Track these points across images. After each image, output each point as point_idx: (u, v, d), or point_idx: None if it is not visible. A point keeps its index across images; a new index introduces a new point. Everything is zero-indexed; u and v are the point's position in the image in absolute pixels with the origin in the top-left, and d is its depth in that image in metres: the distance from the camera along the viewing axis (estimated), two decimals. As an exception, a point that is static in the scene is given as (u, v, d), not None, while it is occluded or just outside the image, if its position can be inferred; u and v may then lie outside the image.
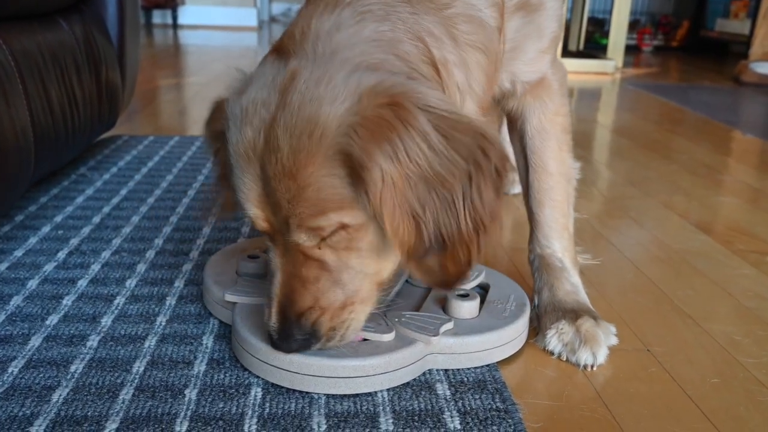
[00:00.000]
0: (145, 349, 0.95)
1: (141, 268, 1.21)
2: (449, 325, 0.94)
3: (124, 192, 1.61)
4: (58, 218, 1.43)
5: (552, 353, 0.99)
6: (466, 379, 0.91)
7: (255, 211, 0.80)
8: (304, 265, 0.81)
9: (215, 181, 0.95)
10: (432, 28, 0.83)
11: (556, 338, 0.99)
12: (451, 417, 0.83)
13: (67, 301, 1.08)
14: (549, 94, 1.07)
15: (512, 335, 0.97)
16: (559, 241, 1.10)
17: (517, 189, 1.77)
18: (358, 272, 0.82)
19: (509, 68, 1.01)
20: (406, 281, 1.10)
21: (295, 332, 0.82)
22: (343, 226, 0.77)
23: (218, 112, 0.86)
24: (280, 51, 0.82)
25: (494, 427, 0.81)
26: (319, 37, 0.79)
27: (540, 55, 1.03)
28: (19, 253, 1.25)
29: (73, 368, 0.90)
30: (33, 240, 1.31)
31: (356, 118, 0.72)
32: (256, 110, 0.77)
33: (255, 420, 0.81)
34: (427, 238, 0.75)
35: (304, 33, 0.80)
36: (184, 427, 0.79)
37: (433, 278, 0.79)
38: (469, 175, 0.74)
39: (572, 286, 1.07)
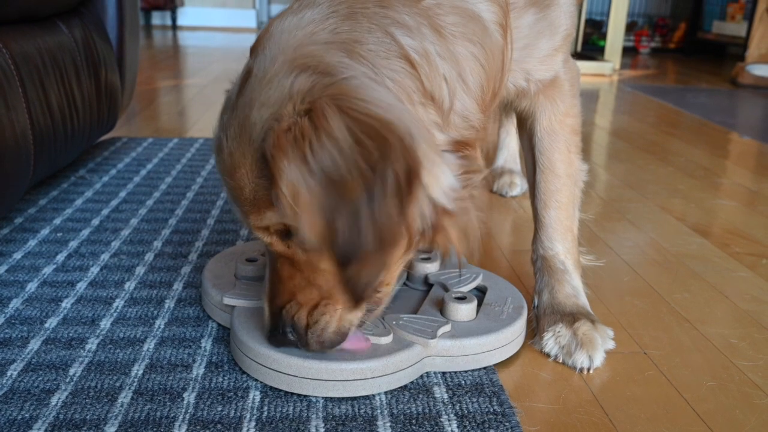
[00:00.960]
0: (143, 352, 0.96)
1: (140, 270, 1.21)
2: (447, 328, 0.94)
3: (123, 194, 1.61)
4: (57, 221, 1.43)
5: (549, 355, 1.00)
6: (463, 382, 0.92)
7: (234, 207, 0.84)
8: (279, 262, 0.83)
9: None
10: (406, 20, 0.79)
11: (552, 341, 1.00)
12: (449, 420, 0.83)
13: (66, 304, 1.08)
14: (560, 94, 1.06)
15: (509, 338, 0.97)
16: (562, 243, 1.10)
17: (515, 191, 1.77)
18: (332, 275, 0.79)
19: (523, 66, 0.99)
20: (404, 284, 1.10)
21: (279, 325, 0.84)
22: (287, 227, 0.78)
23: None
24: (250, 51, 0.84)
25: (491, 431, 0.82)
26: (272, 38, 0.80)
27: (553, 52, 1.01)
28: (18, 255, 1.25)
29: (72, 371, 0.90)
30: (32, 242, 1.31)
31: (274, 123, 0.73)
32: (223, 112, 0.82)
33: (253, 423, 0.82)
34: (340, 247, 0.72)
35: (264, 33, 0.83)
36: (183, 431, 0.80)
37: (345, 290, 0.78)
38: (372, 187, 0.69)
39: (573, 289, 1.08)
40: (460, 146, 0.84)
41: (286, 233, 0.80)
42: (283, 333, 0.84)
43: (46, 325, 1.02)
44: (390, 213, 0.70)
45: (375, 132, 0.69)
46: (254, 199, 0.78)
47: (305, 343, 0.84)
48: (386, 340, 0.90)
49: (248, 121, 0.76)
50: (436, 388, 0.90)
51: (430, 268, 1.12)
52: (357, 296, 0.78)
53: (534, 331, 1.05)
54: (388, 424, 0.82)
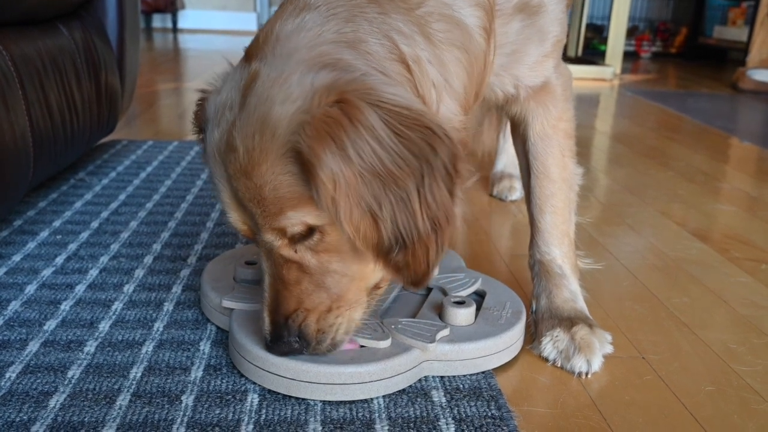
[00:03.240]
0: (142, 355, 0.96)
1: (139, 273, 1.21)
2: (445, 332, 0.94)
3: (122, 197, 1.62)
4: (57, 223, 1.43)
5: (547, 360, 1.00)
6: (461, 386, 0.92)
7: (232, 214, 0.82)
8: (284, 267, 0.82)
9: None
10: (402, 27, 0.82)
11: (551, 345, 1.00)
12: (447, 424, 0.83)
13: (65, 306, 1.08)
14: (552, 99, 1.06)
15: (508, 342, 0.97)
16: (559, 248, 1.10)
17: (515, 196, 1.77)
18: (342, 275, 0.82)
19: (512, 72, 1.01)
20: (403, 288, 1.10)
21: (284, 334, 0.83)
22: (310, 227, 0.78)
23: (202, 108, 0.88)
24: (248, 55, 0.84)
25: (489, 435, 0.82)
26: (279, 40, 0.80)
27: (543, 59, 1.02)
28: (17, 258, 1.25)
29: (70, 374, 0.90)
30: (31, 245, 1.31)
31: (306, 116, 0.73)
32: (223, 112, 0.80)
33: (251, 426, 0.82)
34: (386, 236, 0.74)
35: (267, 36, 0.82)
36: (181, 434, 0.79)
37: (400, 276, 0.80)
38: (422, 173, 0.73)
39: (570, 293, 1.07)
40: None
41: (300, 236, 0.79)
42: (287, 342, 0.83)
43: (45, 328, 1.02)
44: (443, 196, 0.75)
45: (415, 122, 0.73)
46: (275, 197, 0.76)
47: (315, 348, 0.84)
48: (385, 344, 0.90)
49: (270, 118, 0.74)
50: (434, 392, 0.90)
51: (429, 271, 1.11)
52: (417, 280, 0.79)
53: (532, 336, 1.05)
54: (386, 427, 0.82)
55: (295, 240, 0.79)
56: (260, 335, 0.90)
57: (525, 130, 1.08)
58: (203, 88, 0.90)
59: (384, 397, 0.88)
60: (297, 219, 0.77)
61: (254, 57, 0.82)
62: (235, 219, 0.82)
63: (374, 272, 0.84)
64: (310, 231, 0.78)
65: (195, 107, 0.92)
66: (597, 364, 0.97)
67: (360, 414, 0.85)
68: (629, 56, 5.83)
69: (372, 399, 0.88)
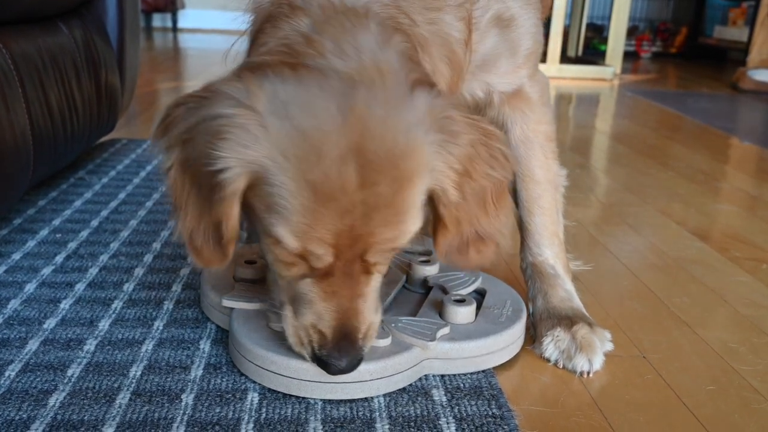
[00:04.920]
0: (142, 354, 0.95)
1: (139, 272, 1.21)
2: (446, 331, 0.94)
3: (122, 196, 1.61)
4: (57, 222, 1.43)
5: (548, 360, 1.00)
6: (462, 385, 0.92)
7: (325, 249, 0.75)
8: (365, 283, 0.81)
9: (186, 214, 0.82)
10: (421, 40, 0.87)
11: (552, 345, 1.00)
12: (447, 423, 0.83)
13: (65, 305, 1.08)
14: (528, 104, 1.07)
15: (508, 340, 0.97)
16: (550, 248, 1.10)
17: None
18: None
19: (482, 78, 1.02)
20: (403, 286, 1.10)
21: (357, 351, 0.81)
22: (412, 235, 0.80)
23: (244, 135, 0.73)
24: (321, 70, 0.76)
25: (490, 434, 0.81)
26: (372, 56, 0.77)
27: (514, 69, 1.04)
28: (17, 256, 1.25)
29: (70, 372, 0.90)
30: (31, 243, 1.31)
31: (438, 135, 0.77)
32: (331, 141, 0.71)
33: (251, 425, 0.81)
34: (465, 230, 0.85)
35: (345, 52, 0.77)
36: (181, 432, 0.79)
37: (470, 263, 0.88)
38: (499, 174, 0.85)
39: (566, 292, 1.08)
40: None
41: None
42: (356, 358, 0.81)
43: (45, 326, 1.01)
44: (507, 196, 0.89)
45: (496, 137, 0.85)
46: (409, 219, 0.76)
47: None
48: (385, 342, 0.90)
49: (413, 144, 0.74)
50: (434, 391, 0.90)
51: (430, 270, 1.11)
52: (499, 238, 0.89)
53: (532, 338, 1.05)
54: (387, 426, 0.82)
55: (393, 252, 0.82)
56: (259, 333, 0.90)
57: (506, 134, 1.09)
58: (219, 115, 0.75)
59: (384, 395, 0.88)
60: (414, 230, 0.79)
61: (336, 70, 0.75)
62: (326, 252, 0.76)
63: None
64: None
65: (224, 135, 0.74)
66: (598, 363, 0.97)
67: (360, 413, 0.85)
68: (629, 56, 5.82)
69: (372, 398, 0.88)
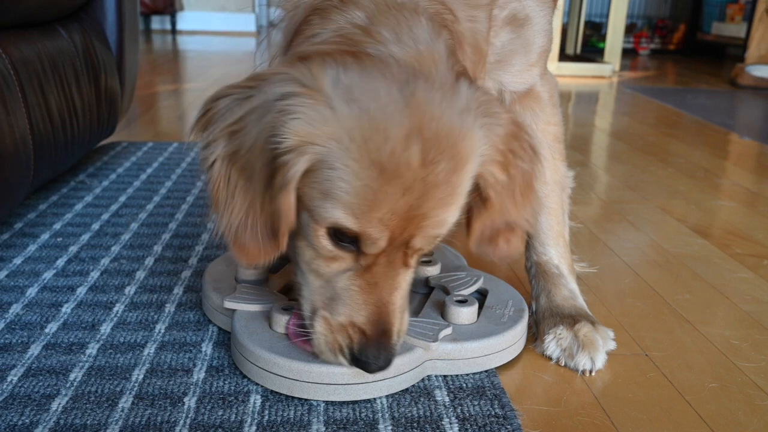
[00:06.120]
0: (144, 357, 0.95)
1: (140, 275, 1.21)
2: (448, 331, 0.94)
3: (123, 199, 1.61)
4: (57, 226, 1.43)
5: (551, 358, 1.00)
6: (464, 385, 0.92)
7: (382, 233, 0.76)
8: (403, 276, 0.83)
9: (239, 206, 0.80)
10: (461, 37, 0.90)
11: (554, 343, 1.00)
12: (450, 423, 0.83)
13: (67, 308, 1.08)
14: (539, 104, 1.09)
15: (511, 340, 0.97)
16: (555, 248, 1.10)
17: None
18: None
19: (496, 78, 1.04)
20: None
21: (393, 348, 0.82)
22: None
23: (310, 116, 0.74)
24: (381, 58, 0.78)
25: (493, 433, 0.81)
26: (427, 46, 0.80)
27: (528, 68, 1.05)
28: (18, 260, 1.25)
29: (72, 376, 0.90)
30: (32, 247, 1.31)
31: (490, 120, 0.80)
32: (395, 123, 0.73)
33: (254, 427, 0.81)
34: (496, 219, 0.87)
35: (403, 41, 0.80)
36: (184, 435, 0.79)
37: (499, 252, 0.89)
38: (528, 167, 0.87)
39: (569, 291, 1.08)
40: None
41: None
42: (392, 353, 0.81)
43: (47, 330, 1.01)
44: (534, 170, 0.89)
45: (516, 120, 0.87)
46: (460, 198, 0.80)
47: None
48: (387, 343, 0.90)
49: (462, 128, 0.77)
50: (437, 392, 0.90)
51: (431, 271, 1.11)
52: (509, 254, 0.91)
53: (534, 336, 1.05)
54: (390, 427, 0.82)
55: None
56: (261, 335, 0.90)
57: None
58: (240, 89, 0.78)
59: (387, 396, 0.88)
60: (456, 221, 0.81)
61: (397, 59, 0.78)
62: (383, 236, 0.77)
63: None
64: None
65: (292, 116, 0.74)
66: (601, 361, 0.97)
67: (363, 414, 0.85)
68: (628, 53, 5.83)
69: (375, 399, 0.88)
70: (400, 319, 0.83)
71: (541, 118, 1.09)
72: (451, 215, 0.80)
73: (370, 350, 0.80)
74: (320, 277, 0.83)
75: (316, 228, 0.79)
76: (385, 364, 0.81)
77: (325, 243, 0.79)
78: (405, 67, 0.77)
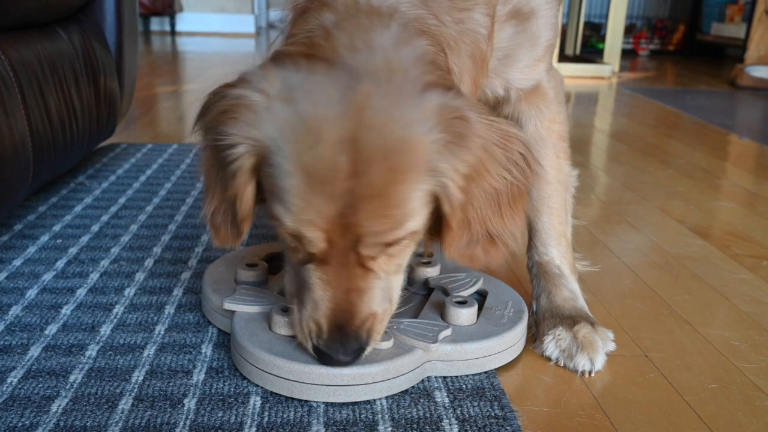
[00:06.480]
0: (144, 359, 0.95)
1: (140, 276, 1.21)
2: (447, 332, 0.94)
3: (122, 200, 1.61)
4: (57, 227, 1.43)
5: (550, 359, 1.00)
6: (464, 386, 0.92)
7: (316, 234, 0.77)
8: (362, 278, 0.82)
9: (216, 189, 0.87)
10: (449, 40, 0.88)
11: (553, 344, 1.00)
12: (450, 425, 0.83)
13: (66, 310, 1.08)
14: (545, 101, 1.07)
15: (510, 342, 0.97)
16: (556, 249, 1.10)
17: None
18: (399, 273, 0.87)
19: (503, 75, 1.03)
20: (405, 288, 1.10)
21: (352, 344, 0.83)
22: (410, 234, 0.81)
23: (250, 114, 0.78)
24: (329, 59, 0.79)
25: (493, 435, 0.81)
26: (386, 53, 0.79)
27: (534, 63, 1.04)
28: (17, 262, 1.25)
29: (72, 378, 0.90)
30: (32, 249, 1.31)
31: (442, 134, 0.76)
32: (328, 129, 0.73)
33: (254, 429, 0.81)
34: (474, 231, 0.84)
35: (367, 45, 0.79)
36: (184, 437, 0.79)
37: (476, 263, 0.88)
38: (516, 178, 0.84)
39: (570, 292, 1.08)
40: None
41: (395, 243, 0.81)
42: (355, 351, 0.83)
43: (46, 332, 1.01)
44: (525, 195, 0.87)
45: (512, 137, 0.84)
46: (403, 212, 0.77)
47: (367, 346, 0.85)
48: (387, 344, 0.90)
49: (406, 138, 0.74)
50: (437, 393, 0.90)
51: (431, 272, 1.11)
52: (509, 241, 0.88)
53: (534, 337, 1.05)
54: (390, 428, 0.82)
55: (387, 247, 0.81)
56: (261, 337, 0.90)
57: None
58: (232, 95, 0.80)
59: (387, 398, 0.88)
60: (410, 229, 0.79)
61: (347, 63, 0.77)
62: (319, 238, 0.78)
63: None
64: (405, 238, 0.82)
65: (231, 114, 0.80)
66: (600, 362, 0.97)
67: (363, 415, 0.85)
68: (627, 54, 5.83)
69: (375, 400, 0.88)
70: (362, 317, 0.82)
71: (546, 116, 1.08)
72: (389, 227, 0.77)
73: (329, 344, 0.82)
74: (292, 267, 0.87)
75: (272, 219, 0.82)
76: (346, 359, 0.83)
77: (283, 234, 0.82)
78: (353, 73, 0.76)
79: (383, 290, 0.84)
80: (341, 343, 0.82)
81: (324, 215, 0.76)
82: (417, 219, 0.79)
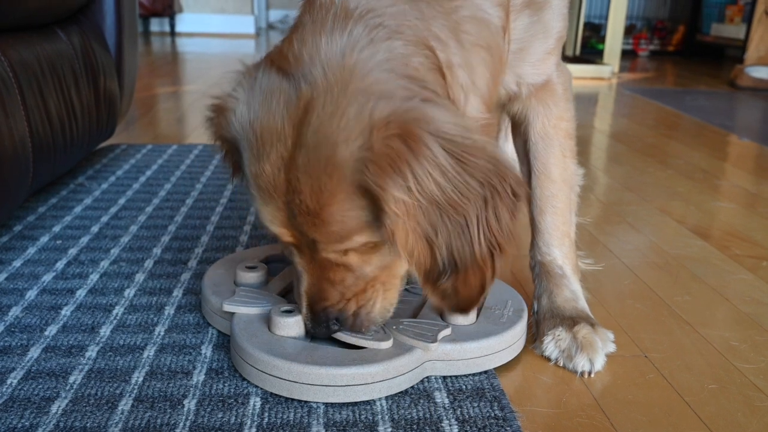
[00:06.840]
0: (143, 360, 0.95)
1: (140, 277, 1.21)
2: (447, 332, 0.94)
3: (122, 201, 1.61)
4: (57, 228, 1.43)
5: (549, 359, 1.00)
6: (464, 386, 0.92)
7: (281, 230, 0.83)
8: (331, 270, 0.85)
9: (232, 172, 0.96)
10: (439, 33, 0.83)
11: (553, 344, 1.00)
12: (450, 425, 0.83)
13: (66, 311, 1.08)
14: (553, 98, 1.06)
15: (510, 341, 0.97)
16: (559, 249, 1.10)
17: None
18: (378, 266, 0.87)
19: (515, 70, 1.01)
20: (404, 289, 1.10)
21: (322, 320, 0.87)
22: (364, 244, 0.82)
23: (222, 116, 0.85)
24: (284, 68, 0.80)
25: (493, 435, 0.81)
26: (330, 63, 0.77)
27: (546, 56, 1.02)
28: (17, 263, 1.25)
29: (72, 379, 0.90)
30: (32, 250, 1.31)
31: (368, 153, 0.73)
32: (272, 143, 0.78)
33: (254, 430, 0.81)
34: (440, 261, 0.77)
35: (311, 55, 0.78)
36: (184, 438, 0.79)
37: (447, 302, 0.83)
38: (485, 199, 0.76)
39: (572, 293, 1.07)
40: None
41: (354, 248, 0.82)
42: (326, 326, 0.88)
43: (46, 333, 1.01)
44: (507, 220, 0.78)
45: (479, 151, 0.75)
46: (341, 230, 0.78)
47: (353, 324, 0.88)
48: (386, 344, 0.90)
49: (335, 159, 0.74)
50: (436, 393, 0.90)
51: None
52: (465, 306, 0.83)
53: (534, 337, 1.05)
54: (389, 429, 0.82)
55: (347, 252, 0.83)
56: (261, 338, 0.90)
57: (526, 129, 1.09)
58: (218, 96, 0.86)
59: (387, 398, 0.88)
60: (360, 241, 0.80)
61: (296, 75, 0.78)
62: (283, 233, 0.82)
63: (404, 265, 0.86)
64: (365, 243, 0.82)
65: (210, 114, 0.88)
66: (600, 363, 0.97)
67: (363, 416, 0.85)
68: (627, 55, 5.83)
69: (375, 401, 0.88)
70: (336, 305, 0.86)
71: (554, 112, 1.06)
72: (335, 240, 0.79)
73: (305, 318, 0.89)
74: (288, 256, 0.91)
75: None
76: (317, 331, 0.88)
77: None
78: (297, 85, 0.77)
79: (357, 278, 0.86)
80: (315, 319, 0.88)
81: (279, 219, 0.81)
82: (364, 234, 0.79)
